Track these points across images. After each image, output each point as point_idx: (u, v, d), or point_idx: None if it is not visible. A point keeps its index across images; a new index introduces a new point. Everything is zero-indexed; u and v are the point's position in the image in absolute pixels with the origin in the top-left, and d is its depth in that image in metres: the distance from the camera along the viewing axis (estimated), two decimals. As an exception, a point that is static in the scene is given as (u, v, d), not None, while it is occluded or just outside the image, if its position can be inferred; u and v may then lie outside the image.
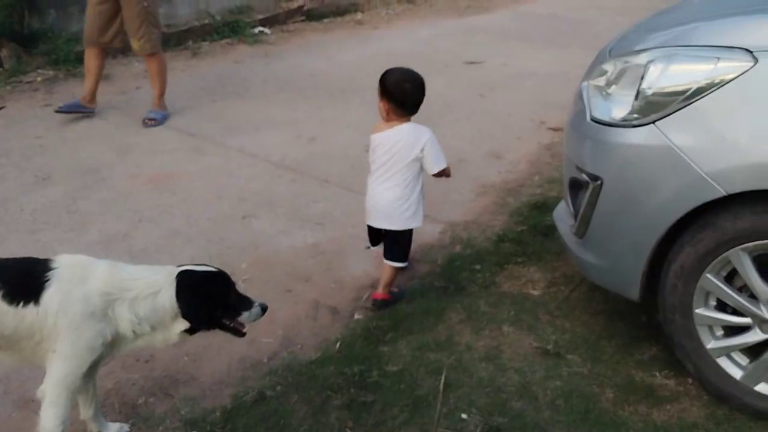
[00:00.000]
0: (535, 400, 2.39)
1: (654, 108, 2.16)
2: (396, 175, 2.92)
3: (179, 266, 2.06)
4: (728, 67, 2.01)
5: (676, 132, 2.10)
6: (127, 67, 6.41)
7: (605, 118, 2.32)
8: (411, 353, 2.64)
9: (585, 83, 2.56)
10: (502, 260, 3.29)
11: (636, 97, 2.20)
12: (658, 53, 2.21)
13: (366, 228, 3.07)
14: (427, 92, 3.08)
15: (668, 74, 2.14)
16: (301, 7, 8.18)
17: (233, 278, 2.21)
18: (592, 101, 2.42)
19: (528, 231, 3.58)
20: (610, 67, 2.41)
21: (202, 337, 2.58)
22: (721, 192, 2.03)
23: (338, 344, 2.72)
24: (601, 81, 2.43)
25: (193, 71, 6.42)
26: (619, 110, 2.28)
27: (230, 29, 7.38)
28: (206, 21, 7.48)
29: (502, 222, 3.75)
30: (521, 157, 4.55)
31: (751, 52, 1.98)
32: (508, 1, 9.36)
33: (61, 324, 1.87)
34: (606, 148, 2.30)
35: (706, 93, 2.04)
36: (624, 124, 2.24)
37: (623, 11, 8.56)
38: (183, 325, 2.00)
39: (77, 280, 1.92)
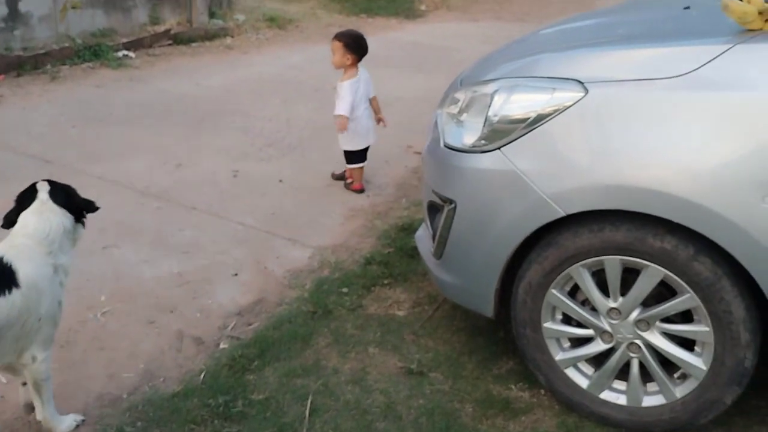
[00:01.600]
0: (400, 419, 2.45)
1: (499, 135, 2.29)
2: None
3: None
4: (563, 96, 2.17)
5: (519, 157, 2.24)
6: (-24, 91, 6.04)
7: (457, 144, 2.44)
8: (277, 380, 2.63)
9: (439, 111, 2.68)
10: (369, 282, 3.35)
11: (484, 125, 2.33)
12: (502, 83, 2.36)
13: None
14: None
15: (511, 103, 2.28)
16: (168, 31, 8.01)
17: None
18: (446, 128, 2.54)
19: (394, 253, 3.67)
20: (461, 96, 2.54)
21: (58, 375, 2.47)
22: (561, 212, 2.18)
23: (203, 375, 2.66)
24: (454, 109, 2.55)
25: (51, 96, 6.13)
26: (469, 137, 2.40)
27: (92, 53, 7.11)
28: (66, 44, 7.18)
29: (369, 245, 3.82)
30: (389, 181, 4.67)
31: (582, 83, 2.15)
32: (377, 29, 9.59)
33: (42, 291, 2.14)
34: (458, 172, 2.42)
35: (544, 121, 2.20)
36: (474, 150, 2.37)
37: (485, 40, 9.00)
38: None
39: (27, 252, 2.15)
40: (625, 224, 2.13)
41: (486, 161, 2.32)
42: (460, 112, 2.50)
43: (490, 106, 2.32)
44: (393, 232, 3.91)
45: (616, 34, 2.49)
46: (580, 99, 2.14)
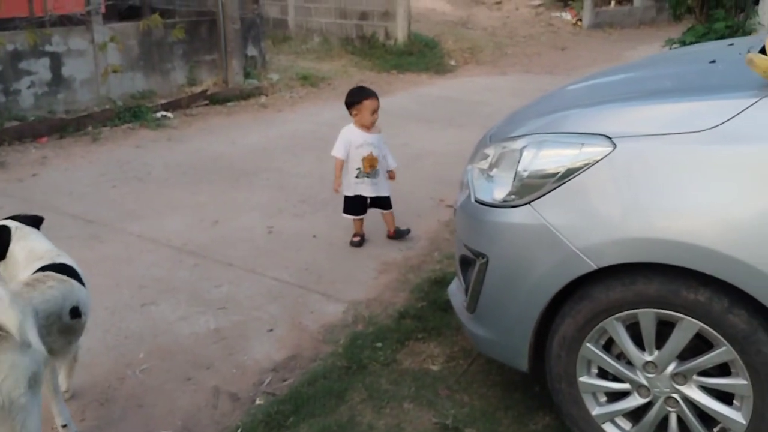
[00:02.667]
0: (435, 476, 2.43)
1: (529, 189, 2.33)
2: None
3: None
4: (592, 151, 2.20)
5: (550, 211, 2.27)
6: (23, 154, 6.29)
7: (488, 199, 2.47)
8: (313, 437, 2.64)
9: (470, 166, 2.73)
10: (403, 337, 3.36)
11: (514, 180, 2.36)
12: (531, 139, 2.40)
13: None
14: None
15: (540, 158, 2.32)
16: (204, 92, 8.27)
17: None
18: (476, 183, 2.58)
19: (428, 307, 3.68)
20: (490, 152, 2.59)
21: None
22: (592, 266, 2.19)
23: (239, 431, 2.69)
24: (484, 164, 2.60)
25: (92, 157, 6.35)
26: (499, 192, 2.44)
27: (132, 114, 7.36)
28: (107, 106, 7.45)
29: (403, 299, 3.83)
30: (422, 234, 4.70)
31: (610, 138, 2.18)
32: (408, 85, 9.77)
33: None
34: (489, 227, 2.45)
35: (574, 175, 2.23)
36: (504, 204, 2.40)
37: (514, 93, 9.10)
38: None
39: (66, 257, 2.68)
40: (658, 277, 2.13)
41: (517, 216, 2.35)
42: (490, 167, 2.55)
43: (519, 162, 2.36)
44: (426, 286, 3.93)
45: (643, 88, 2.53)
46: (608, 153, 2.17)
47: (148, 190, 5.50)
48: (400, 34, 11.29)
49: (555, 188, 2.26)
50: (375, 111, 4.67)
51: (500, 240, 2.41)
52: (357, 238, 4.56)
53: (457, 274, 2.82)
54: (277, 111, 8.31)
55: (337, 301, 3.81)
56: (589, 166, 2.20)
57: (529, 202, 2.32)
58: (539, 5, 15.83)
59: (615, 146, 2.16)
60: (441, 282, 3.92)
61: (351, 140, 4.59)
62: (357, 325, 3.56)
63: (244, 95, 8.58)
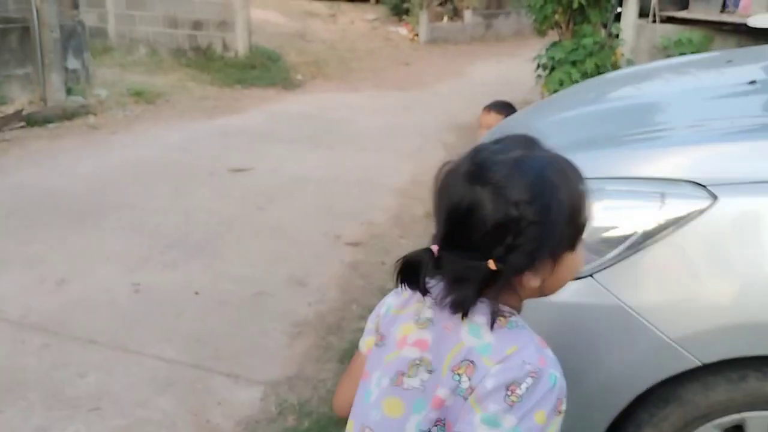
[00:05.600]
0: None
1: (590, 254, 1.71)
2: None
3: None
4: (679, 205, 1.63)
5: (623, 286, 1.67)
6: None
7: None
8: None
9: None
10: (354, 431, 2.62)
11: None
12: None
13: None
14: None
15: (602, 214, 1.72)
16: (19, 112, 6.89)
17: None
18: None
19: (370, 383, 2.96)
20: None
21: None
22: (695, 362, 1.62)
23: None
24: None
25: None
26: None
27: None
28: None
29: (332, 371, 3.08)
30: (328, 282, 3.95)
31: (704, 186, 1.63)
32: (257, 101, 8.91)
33: None
34: (531, 306, 1.80)
35: (655, 238, 1.64)
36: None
37: (375, 110, 8.60)
38: None
39: None
40: (779, 370, 1.60)
41: (573, 293, 1.73)
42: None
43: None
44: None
45: (700, 116, 2.01)
46: (706, 209, 1.60)
47: (-41, 241, 4.26)
48: (241, 45, 10.39)
49: (628, 256, 1.67)
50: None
51: (548, 325, 1.77)
52: None
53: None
54: (110, 133, 7.12)
55: (249, 383, 2.98)
56: (678, 226, 1.62)
57: (590, 274, 1.71)
58: (374, 19, 15.55)
59: (715, 198, 1.60)
60: (375, 346, 3.22)
61: None
62: (286, 419, 2.76)
63: (68, 115, 7.29)
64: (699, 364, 1.61)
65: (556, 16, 6.87)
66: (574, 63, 6.71)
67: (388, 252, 4.33)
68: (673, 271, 1.64)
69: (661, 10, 6.93)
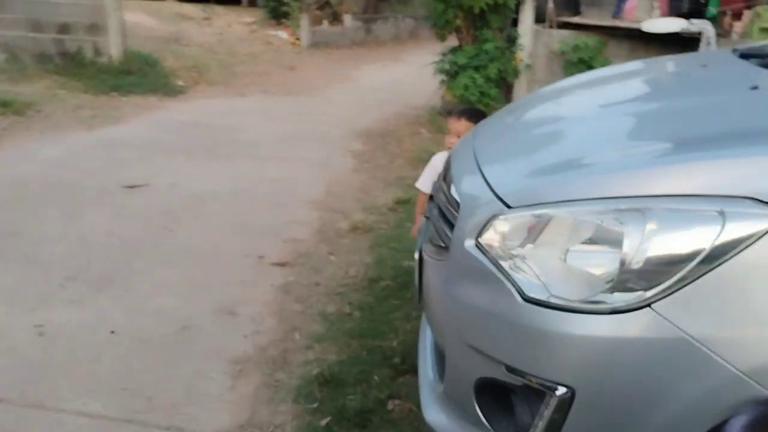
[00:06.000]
0: None
1: (645, 283, 1.53)
2: None
3: None
4: (741, 226, 1.48)
5: (685, 316, 1.50)
6: None
7: (564, 298, 1.62)
8: None
9: (468, 242, 1.84)
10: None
11: (621, 268, 1.55)
12: (616, 206, 1.61)
13: None
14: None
15: (655, 237, 1.54)
16: None
17: None
18: (518, 274, 1.71)
19: (335, 424, 2.67)
20: (517, 223, 1.75)
21: None
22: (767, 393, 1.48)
23: None
24: (513, 243, 1.74)
25: None
26: (584, 287, 1.61)
27: None
28: None
29: (290, 415, 2.76)
30: (262, 309, 3.60)
31: (766, 203, 1.49)
32: (139, 109, 8.26)
33: None
34: (575, 344, 1.60)
35: (718, 262, 1.48)
36: (598, 308, 1.58)
37: (267, 116, 8.23)
38: None
39: None
40: None
41: (629, 325, 1.54)
42: (542, 248, 1.70)
43: (623, 242, 1.56)
44: (314, 389, 2.89)
45: (729, 126, 1.86)
46: (769, 228, 1.46)
47: None
48: (115, 50, 9.66)
49: (690, 282, 1.50)
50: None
51: (599, 363, 1.58)
52: None
53: (473, 407, 1.89)
54: (-25, 149, 6.32)
55: (194, 437, 2.61)
56: (743, 248, 1.47)
57: (648, 304, 1.53)
58: (252, 23, 15.05)
59: (777, 216, 1.46)
60: (332, 380, 2.93)
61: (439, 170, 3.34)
62: (249, 476, 2.42)
63: None
64: (772, 397, 1.47)
65: (458, 21, 6.81)
66: (477, 68, 6.68)
67: (320, 271, 4.04)
68: (738, 294, 1.49)
69: (556, 15, 7.05)
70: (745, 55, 2.60)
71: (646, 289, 1.53)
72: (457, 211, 2.01)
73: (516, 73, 6.92)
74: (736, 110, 1.95)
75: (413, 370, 2.94)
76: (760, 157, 1.58)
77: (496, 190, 1.89)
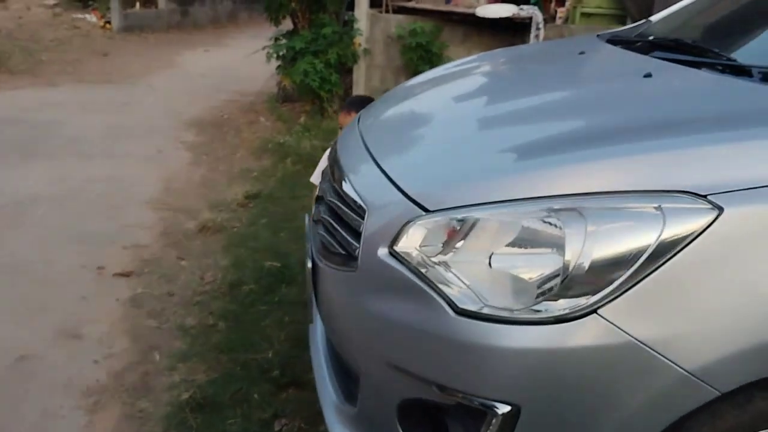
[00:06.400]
0: None
1: (586, 289, 1.44)
2: None
3: None
4: (681, 222, 1.42)
5: (632, 319, 1.42)
6: None
7: (498, 307, 1.49)
8: None
9: (382, 251, 1.66)
10: None
11: (563, 275, 1.44)
12: (550, 206, 1.50)
13: None
14: None
15: (594, 239, 1.45)
16: None
17: None
18: (447, 287, 1.55)
19: (219, 455, 2.40)
20: (438, 227, 1.60)
21: None
22: (715, 392, 1.44)
23: None
24: (433, 250, 1.59)
25: None
26: (518, 294, 1.49)
27: None
28: None
29: (163, 449, 2.45)
30: (110, 329, 3.18)
31: (705, 196, 1.44)
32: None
33: None
34: (516, 358, 1.47)
35: (661, 261, 1.41)
36: (541, 317, 1.46)
37: (85, 108, 7.49)
38: None
39: None
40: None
41: (575, 333, 1.44)
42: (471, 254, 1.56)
43: (565, 247, 1.45)
44: (188, 416, 2.58)
45: (644, 115, 1.80)
46: (711, 222, 1.42)
47: None
48: None
49: (634, 284, 1.42)
50: None
51: (545, 376, 1.46)
52: None
53: (383, 427, 1.71)
54: None
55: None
56: (685, 245, 1.41)
57: (594, 310, 1.43)
58: (55, 5, 13.70)
59: (720, 210, 1.42)
60: (206, 404, 2.63)
61: None
62: None
63: None
64: (718, 394, 1.43)
65: (293, 4, 6.55)
66: (315, 53, 6.47)
67: (172, 279, 3.66)
68: (683, 293, 1.43)
69: (391, 0, 7.01)
70: (611, 41, 2.63)
71: (591, 294, 1.43)
72: (359, 215, 1.82)
73: (355, 58, 6.79)
74: (643, 99, 1.92)
75: (297, 383, 2.74)
76: (693, 148, 1.53)
77: (408, 192, 1.72)
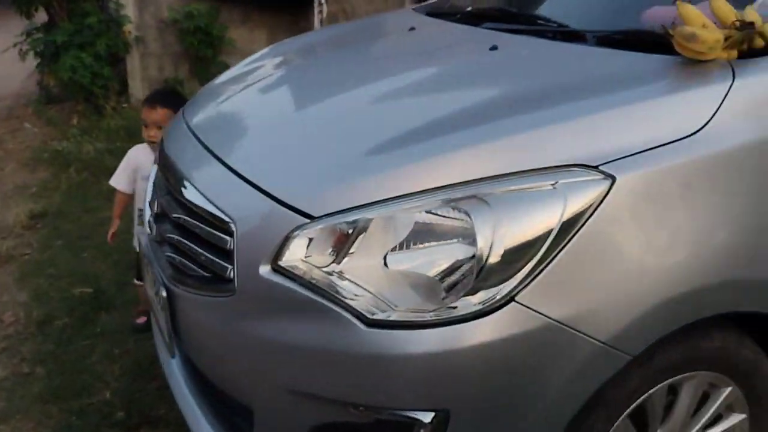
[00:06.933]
0: None
1: (499, 276, 1.38)
2: None
3: None
4: (578, 196, 1.41)
5: (548, 300, 1.38)
6: None
7: (416, 307, 1.38)
8: None
9: (264, 269, 1.49)
10: None
11: (479, 270, 1.36)
12: (453, 195, 1.42)
13: None
14: None
15: (504, 225, 1.38)
16: None
17: None
18: (345, 291, 1.42)
19: None
20: (328, 232, 1.46)
21: None
22: (627, 357, 1.45)
23: None
24: (322, 258, 1.45)
25: None
26: (427, 293, 1.39)
27: None
28: None
29: None
30: None
31: (596, 167, 1.43)
32: None
33: None
34: (439, 362, 1.37)
35: (567, 239, 1.39)
36: (457, 316, 1.37)
37: None
38: None
39: None
40: (680, 340, 1.55)
41: (495, 326, 1.37)
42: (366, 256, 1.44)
43: (476, 236, 1.37)
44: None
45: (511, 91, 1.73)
46: (606, 192, 1.41)
47: None
48: None
49: (545, 265, 1.38)
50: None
51: (472, 376, 1.38)
52: (144, 318, 2.91)
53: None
54: None
55: None
56: (587, 219, 1.40)
57: (512, 298, 1.37)
58: None
59: (613, 178, 1.42)
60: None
61: (139, 165, 2.84)
62: None
63: None
64: (630, 358, 1.46)
65: (46, -7, 5.84)
66: (81, 46, 5.84)
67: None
68: (590, 266, 1.41)
69: (159, -19, 6.49)
70: (431, 14, 2.60)
71: (507, 282, 1.37)
72: (223, 230, 1.61)
73: (127, 47, 6.23)
74: (503, 73, 1.89)
75: (148, 421, 2.46)
76: (576, 119, 1.52)
77: (281, 198, 1.54)
